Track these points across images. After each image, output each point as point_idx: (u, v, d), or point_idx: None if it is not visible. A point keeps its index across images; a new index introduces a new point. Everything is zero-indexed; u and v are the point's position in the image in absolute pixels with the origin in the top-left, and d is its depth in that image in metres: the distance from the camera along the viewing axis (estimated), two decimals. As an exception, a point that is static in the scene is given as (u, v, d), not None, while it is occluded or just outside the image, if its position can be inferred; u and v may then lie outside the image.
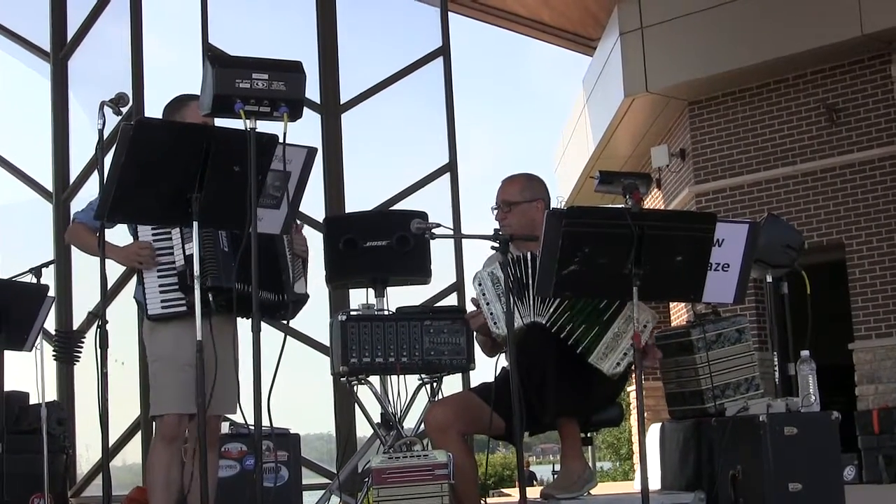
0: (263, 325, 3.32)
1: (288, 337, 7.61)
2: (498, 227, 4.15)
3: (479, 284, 4.00)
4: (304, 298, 3.95)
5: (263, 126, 3.25)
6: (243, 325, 3.77)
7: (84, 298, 7.63)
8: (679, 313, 10.96)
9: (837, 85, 10.07)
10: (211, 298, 3.51)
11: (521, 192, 4.19)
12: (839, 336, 9.79)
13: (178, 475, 3.78)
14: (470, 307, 4.14)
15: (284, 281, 3.82)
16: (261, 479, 3.30)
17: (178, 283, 3.69)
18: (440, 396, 4.91)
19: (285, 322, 3.93)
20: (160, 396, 3.79)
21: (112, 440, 6.91)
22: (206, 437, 3.24)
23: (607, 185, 3.70)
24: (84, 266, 7.08)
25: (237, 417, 4.56)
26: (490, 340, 4.07)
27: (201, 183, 3.16)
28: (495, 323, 3.91)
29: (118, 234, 3.94)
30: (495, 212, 4.20)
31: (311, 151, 3.59)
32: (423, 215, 4.80)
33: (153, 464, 3.76)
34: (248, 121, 3.15)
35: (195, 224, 3.19)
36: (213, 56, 3.15)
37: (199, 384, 3.22)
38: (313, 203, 7.58)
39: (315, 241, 5.69)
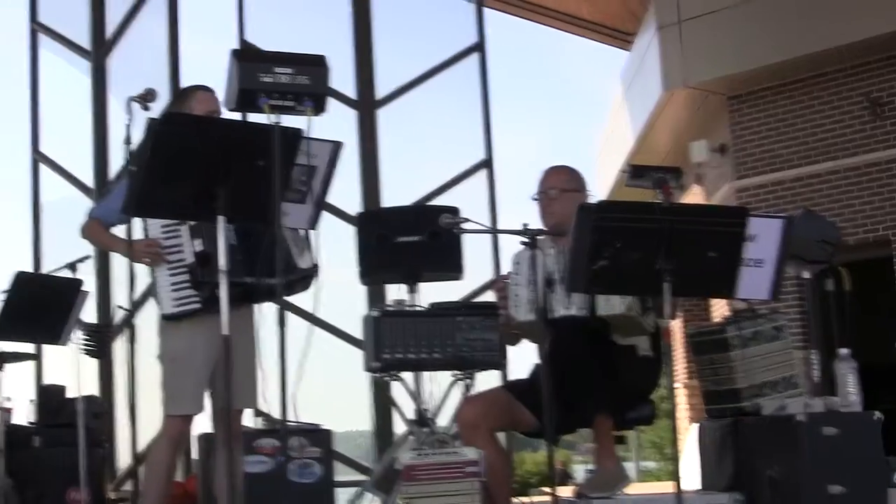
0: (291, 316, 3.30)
1: (329, 333, 7.57)
2: (540, 216, 4.11)
3: (517, 263, 3.95)
4: (311, 272, 3.89)
5: (292, 121, 3.24)
6: (268, 318, 3.76)
7: (123, 294, 7.69)
8: (721, 310, 10.81)
9: (881, 78, 9.86)
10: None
11: (568, 181, 4.17)
12: (888, 334, 9.59)
13: (174, 474, 3.83)
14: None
15: (288, 261, 3.78)
16: (281, 472, 3.28)
17: (190, 280, 3.67)
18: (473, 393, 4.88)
19: (301, 296, 3.88)
20: (172, 396, 3.78)
21: (151, 434, 6.97)
22: (228, 432, 3.23)
23: (638, 178, 3.63)
24: (122, 262, 7.12)
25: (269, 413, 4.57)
26: (509, 327, 4.02)
27: (226, 177, 3.15)
28: (515, 306, 3.87)
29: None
30: (539, 200, 4.14)
31: (337, 146, 3.57)
32: (453, 210, 4.76)
33: (157, 462, 3.78)
34: (271, 115, 3.13)
35: (220, 219, 3.18)
36: (236, 50, 3.14)
37: (226, 378, 3.21)
38: (350, 199, 7.59)
39: (349, 237, 5.69)
